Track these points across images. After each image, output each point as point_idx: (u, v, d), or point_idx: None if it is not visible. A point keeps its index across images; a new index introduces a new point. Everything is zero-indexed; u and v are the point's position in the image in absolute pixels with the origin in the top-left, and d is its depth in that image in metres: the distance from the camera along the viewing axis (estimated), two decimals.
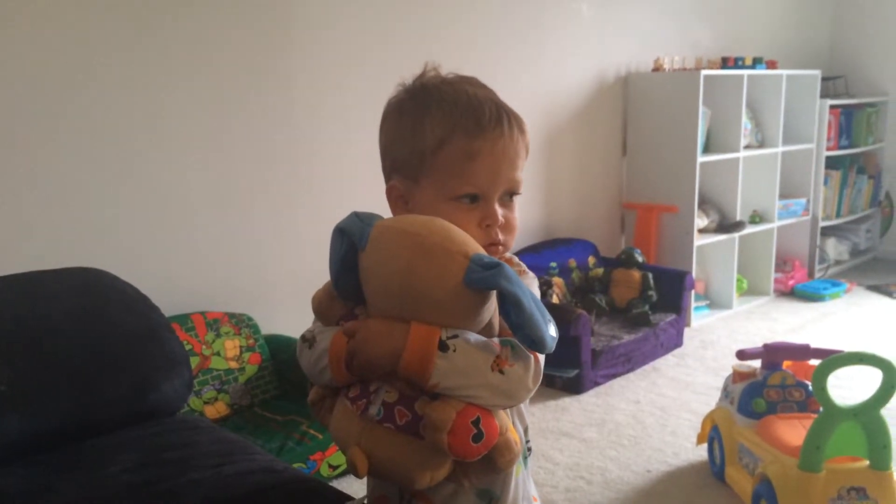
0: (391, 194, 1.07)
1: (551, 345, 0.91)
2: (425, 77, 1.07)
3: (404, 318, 0.91)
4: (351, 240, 0.94)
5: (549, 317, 0.92)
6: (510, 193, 1.04)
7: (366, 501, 1.11)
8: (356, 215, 0.96)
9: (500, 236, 1.03)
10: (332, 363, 0.95)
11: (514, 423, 1.04)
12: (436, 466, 0.92)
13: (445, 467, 0.93)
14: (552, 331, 0.92)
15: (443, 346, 0.89)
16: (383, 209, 1.04)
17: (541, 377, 0.96)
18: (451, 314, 0.91)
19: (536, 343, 0.90)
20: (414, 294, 0.90)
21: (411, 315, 0.91)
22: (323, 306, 1.01)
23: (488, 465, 0.92)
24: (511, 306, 0.88)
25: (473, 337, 0.92)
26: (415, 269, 0.89)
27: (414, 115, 1.03)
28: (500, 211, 1.03)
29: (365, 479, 1.12)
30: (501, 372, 0.91)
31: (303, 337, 1.02)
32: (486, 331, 0.95)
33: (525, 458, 1.09)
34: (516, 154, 1.03)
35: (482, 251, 0.92)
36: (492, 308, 0.95)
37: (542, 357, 0.97)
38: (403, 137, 1.04)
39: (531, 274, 1.07)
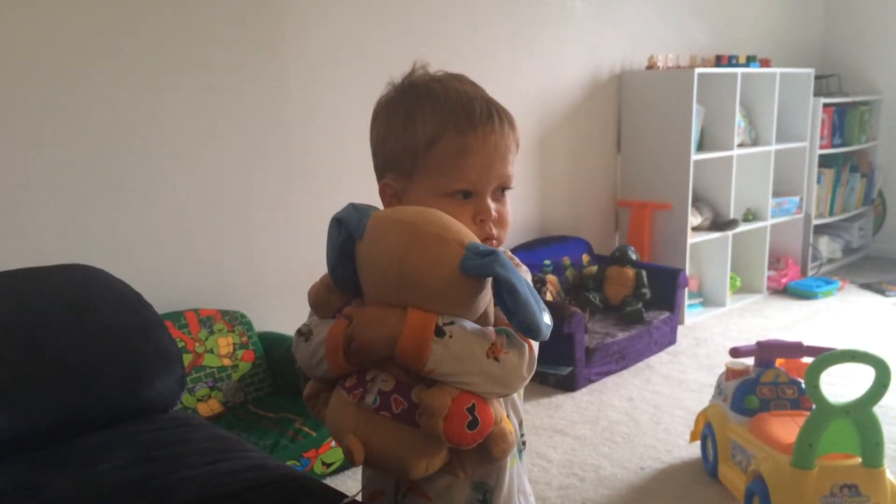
0: (385, 192, 1.08)
1: (546, 332, 0.92)
2: (415, 75, 1.07)
3: (401, 307, 0.92)
4: (348, 230, 0.95)
5: (543, 305, 0.93)
6: (502, 188, 1.06)
7: (359, 497, 1.11)
8: (353, 206, 0.97)
9: (494, 231, 1.04)
10: (329, 352, 0.96)
11: (508, 415, 1.05)
12: (431, 455, 0.93)
13: (440, 456, 0.94)
14: (546, 318, 0.93)
15: (439, 332, 0.90)
16: (377, 206, 1.05)
17: (535, 366, 0.97)
18: (447, 302, 0.92)
19: (531, 329, 0.91)
20: (410, 282, 0.91)
21: (408, 303, 0.92)
22: (320, 298, 1.02)
23: (483, 454, 0.93)
24: (506, 292, 0.89)
25: (469, 324, 0.93)
26: (411, 258, 0.90)
27: (405, 113, 1.04)
28: (492, 206, 1.04)
29: (359, 478, 1.12)
30: (497, 359, 0.92)
31: (299, 331, 1.03)
32: (482, 320, 0.96)
33: (520, 451, 1.10)
34: (507, 149, 1.04)
35: (477, 240, 0.93)
36: (487, 297, 0.95)
37: (536, 347, 0.98)
38: (395, 135, 1.05)
39: (525, 267, 1.08)
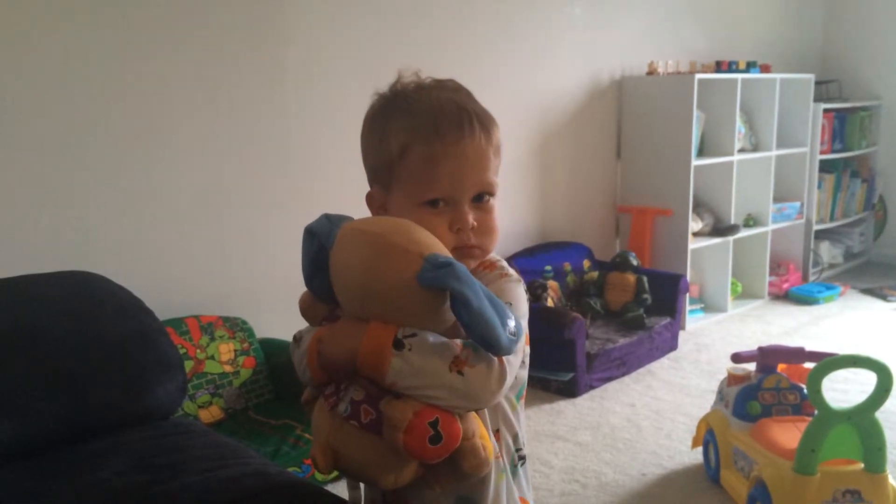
0: (371, 203, 1.09)
1: (507, 346, 0.89)
2: (398, 84, 1.07)
3: (368, 318, 0.92)
4: (320, 241, 0.95)
5: (508, 316, 0.90)
6: (484, 195, 1.03)
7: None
8: (326, 217, 0.98)
9: (474, 239, 1.02)
10: (310, 361, 0.97)
11: (498, 429, 1.03)
12: (398, 467, 0.92)
13: (409, 469, 0.92)
14: (510, 331, 0.90)
15: (398, 345, 0.89)
16: (352, 216, 1.04)
17: (507, 379, 0.93)
18: (410, 314, 0.92)
19: (490, 344, 0.88)
20: (373, 293, 0.91)
21: (373, 315, 0.92)
22: (307, 307, 1.04)
23: (455, 469, 0.92)
24: (460, 306, 0.87)
25: (433, 337, 0.92)
26: (373, 269, 0.90)
27: (381, 125, 1.04)
28: (470, 214, 1.01)
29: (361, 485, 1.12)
30: (461, 373, 0.89)
31: (294, 337, 1.05)
32: (452, 332, 0.94)
33: (514, 465, 1.07)
34: (481, 155, 1.02)
35: (445, 252, 0.92)
36: None
37: (517, 359, 0.96)
38: (374, 147, 1.05)
39: (514, 276, 1.05)
